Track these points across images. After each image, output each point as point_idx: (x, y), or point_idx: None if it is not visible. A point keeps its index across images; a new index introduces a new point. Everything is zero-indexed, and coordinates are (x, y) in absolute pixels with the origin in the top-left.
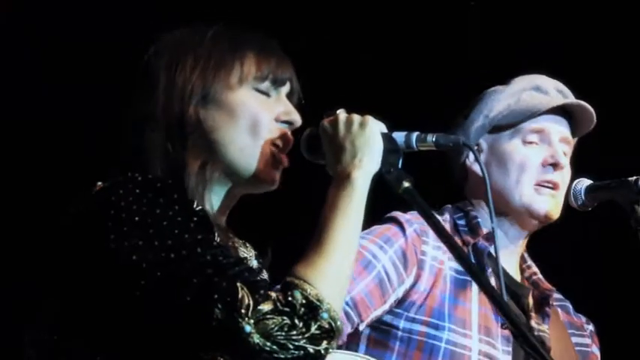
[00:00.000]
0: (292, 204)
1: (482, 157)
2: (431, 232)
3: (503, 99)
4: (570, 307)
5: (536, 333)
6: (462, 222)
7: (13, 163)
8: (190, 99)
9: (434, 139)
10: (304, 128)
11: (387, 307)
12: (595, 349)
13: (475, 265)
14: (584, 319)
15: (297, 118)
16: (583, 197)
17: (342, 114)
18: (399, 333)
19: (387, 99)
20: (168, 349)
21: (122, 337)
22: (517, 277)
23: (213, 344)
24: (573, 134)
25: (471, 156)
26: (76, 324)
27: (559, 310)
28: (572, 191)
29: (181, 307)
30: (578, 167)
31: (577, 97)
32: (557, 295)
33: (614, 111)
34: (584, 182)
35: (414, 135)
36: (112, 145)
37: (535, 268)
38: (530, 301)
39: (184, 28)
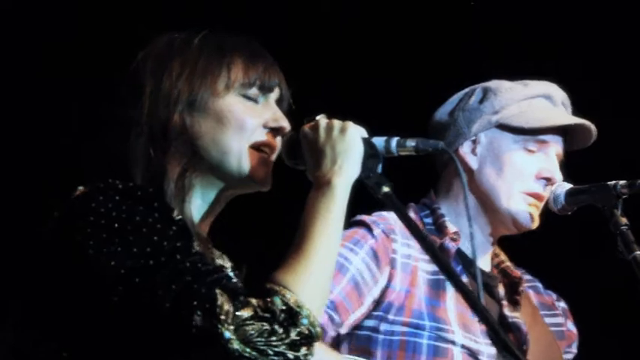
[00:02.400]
0: (272, 210)
1: (479, 149)
2: (398, 230)
3: (517, 100)
4: (540, 285)
5: (510, 320)
6: (428, 220)
7: None
8: (176, 105)
9: (414, 144)
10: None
11: (364, 309)
12: (571, 326)
13: (454, 269)
14: (554, 296)
15: (285, 124)
16: (563, 201)
17: (322, 119)
18: (381, 337)
19: (385, 102)
20: (147, 356)
21: (100, 344)
22: (487, 266)
23: (193, 351)
24: (566, 148)
25: (466, 146)
26: (53, 328)
27: (530, 291)
28: (552, 195)
29: (160, 314)
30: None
31: (571, 99)
32: (526, 277)
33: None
34: (564, 186)
35: (394, 140)
36: (95, 149)
37: (503, 256)
38: (501, 289)
39: (173, 33)
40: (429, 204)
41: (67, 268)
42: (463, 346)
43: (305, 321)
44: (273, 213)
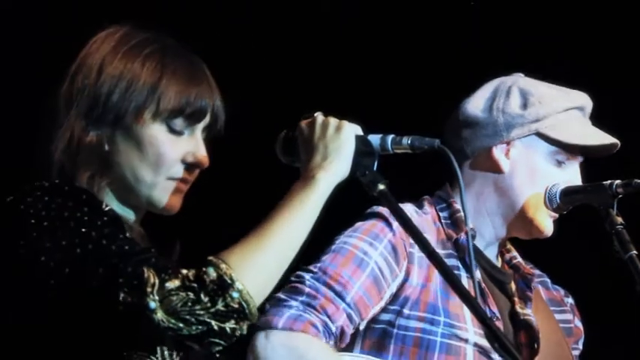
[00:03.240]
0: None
1: (513, 153)
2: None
3: (557, 110)
4: (548, 280)
5: (521, 318)
6: (445, 214)
7: None
8: (100, 118)
9: (409, 142)
10: (281, 131)
11: (383, 303)
12: (578, 322)
13: (448, 267)
14: (562, 291)
15: (204, 161)
16: (558, 200)
17: (319, 116)
18: (395, 331)
19: (383, 100)
20: (88, 347)
21: (41, 342)
22: (498, 263)
23: (124, 330)
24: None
25: (500, 148)
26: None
27: (539, 287)
28: (547, 194)
29: (89, 298)
30: None
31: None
32: (535, 272)
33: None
34: (560, 185)
35: (389, 137)
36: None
37: (514, 252)
38: (513, 286)
39: (123, 34)
40: (444, 197)
41: (4, 273)
42: (476, 344)
43: (236, 295)
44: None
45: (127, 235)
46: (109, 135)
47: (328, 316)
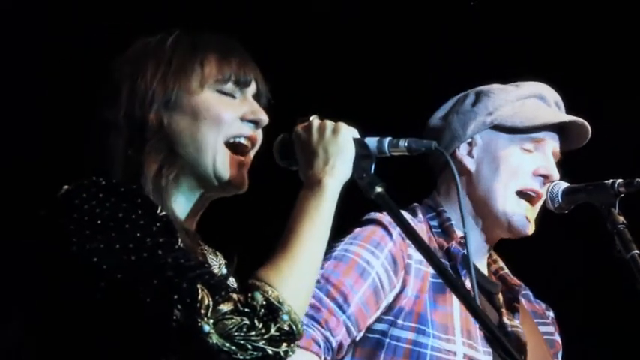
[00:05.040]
0: (263, 210)
1: (475, 151)
2: None
3: (509, 101)
4: (530, 294)
5: (509, 329)
6: (434, 223)
7: None
8: (152, 105)
9: (406, 145)
10: (278, 134)
11: (378, 313)
12: (557, 336)
13: (450, 271)
14: (543, 305)
15: (263, 117)
16: (560, 200)
17: (315, 120)
18: (387, 340)
19: (379, 102)
20: (129, 353)
21: (83, 340)
22: (485, 272)
23: (174, 346)
24: (561, 148)
25: (462, 149)
26: (39, 325)
27: (522, 299)
28: (549, 194)
29: (141, 309)
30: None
31: (568, 100)
32: (521, 284)
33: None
34: (561, 185)
35: (386, 140)
36: (76, 148)
37: (501, 263)
38: (501, 297)
39: (147, 37)
40: (433, 206)
41: (51, 266)
42: (465, 355)
43: (285, 317)
44: (263, 210)
45: (181, 243)
46: (167, 117)
47: (330, 330)
